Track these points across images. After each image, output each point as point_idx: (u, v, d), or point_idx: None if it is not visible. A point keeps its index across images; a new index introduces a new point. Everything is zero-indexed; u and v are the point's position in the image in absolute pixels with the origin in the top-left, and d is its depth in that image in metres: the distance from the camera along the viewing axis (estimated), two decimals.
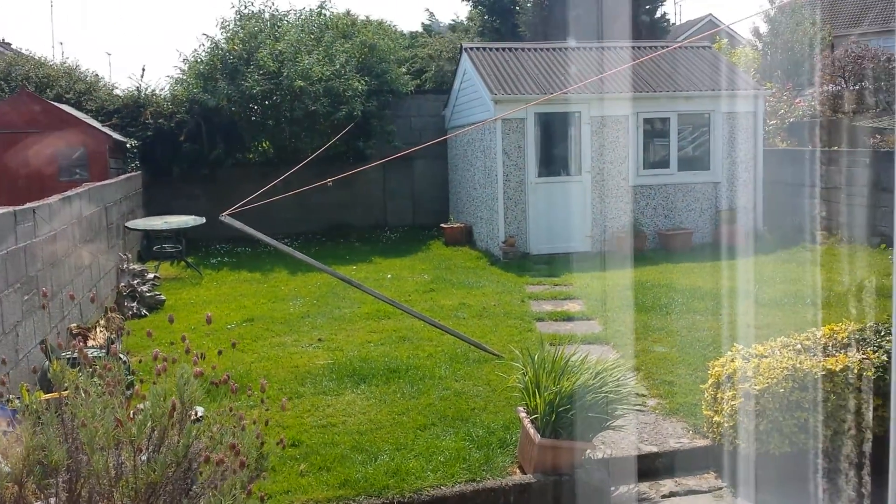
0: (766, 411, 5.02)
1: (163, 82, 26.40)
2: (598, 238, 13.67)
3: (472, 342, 7.67)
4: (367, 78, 16.25)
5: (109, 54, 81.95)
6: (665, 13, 26.15)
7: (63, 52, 52.41)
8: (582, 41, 16.71)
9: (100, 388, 3.68)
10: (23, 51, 20.77)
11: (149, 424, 3.44)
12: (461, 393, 6.53)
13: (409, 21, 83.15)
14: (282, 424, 5.83)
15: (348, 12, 18.68)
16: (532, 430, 5.11)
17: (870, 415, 4.92)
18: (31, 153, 13.83)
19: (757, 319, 8.44)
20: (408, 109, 18.03)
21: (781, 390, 5.00)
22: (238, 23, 16.92)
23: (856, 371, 5.02)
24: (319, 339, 8.39)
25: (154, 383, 3.61)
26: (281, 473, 5.11)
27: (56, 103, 15.15)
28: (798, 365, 5.09)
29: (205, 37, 17.58)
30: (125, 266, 11.24)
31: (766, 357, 5.33)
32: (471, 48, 15.31)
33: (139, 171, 15.69)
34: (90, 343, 7.37)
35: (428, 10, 35.35)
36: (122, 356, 5.45)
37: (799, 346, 5.44)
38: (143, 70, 29.27)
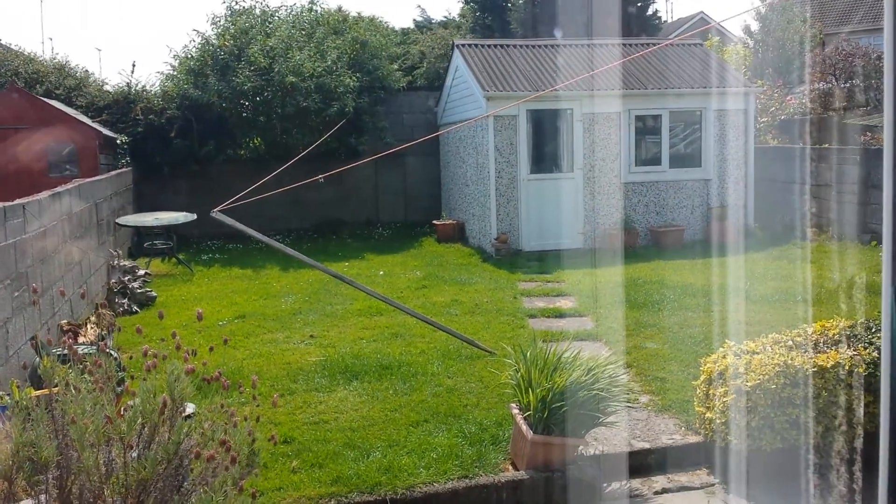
0: (758, 408, 5.03)
1: (153, 78, 26.32)
2: (590, 235, 13.68)
3: (464, 339, 7.66)
4: (358, 74, 16.21)
5: (100, 50, 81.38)
6: (657, 10, 26.29)
7: (53, 48, 52.20)
8: (574, 38, 16.72)
9: (90, 384, 3.66)
10: (12, 46, 20.59)
11: (139, 421, 3.42)
12: (453, 389, 6.52)
13: (400, 17, 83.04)
14: (274, 421, 5.81)
15: (340, 8, 18.65)
16: (524, 427, 5.10)
17: (861, 411, 4.94)
18: (20, 149, 13.75)
19: (748, 316, 8.47)
20: (399, 106, 18.00)
21: (773, 387, 5.02)
22: (229, 18, 16.86)
23: (847, 368, 5.04)
24: (311, 336, 8.37)
25: (144, 380, 3.59)
26: (273, 470, 5.10)
27: (46, 99, 15.06)
28: (789, 361, 5.10)
29: (195, 32, 17.57)
30: (116, 262, 11.19)
31: (757, 353, 5.34)
32: (463, 45, 15.29)
33: (129, 168, 15.61)
34: (81, 339, 7.32)
35: (420, 6, 35.24)
36: (112, 352, 5.42)
37: (790, 343, 5.46)
38: (134, 66, 29.19)
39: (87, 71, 18.72)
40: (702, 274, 11.01)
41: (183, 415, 3.59)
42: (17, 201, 7.08)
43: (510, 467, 5.19)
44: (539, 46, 15.42)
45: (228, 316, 9.41)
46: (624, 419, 5.68)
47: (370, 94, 16.73)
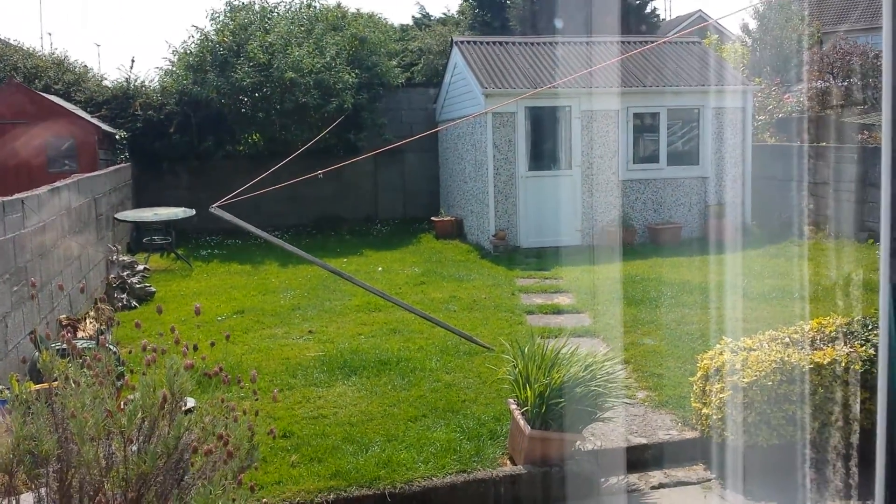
0: (754, 404, 5.06)
1: (152, 74, 26.33)
2: (587, 232, 13.71)
3: (462, 335, 7.69)
4: (357, 70, 16.22)
5: (98, 45, 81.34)
6: (655, 8, 26.29)
7: (52, 43, 52.09)
8: (572, 36, 16.73)
9: (90, 378, 3.67)
10: (10, 41, 20.56)
11: (139, 415, 3.43)
12: (452, 385, 6.54)
13: (399, 14, 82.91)
14: (273, 416, 5.83)
15: (339, 4, 18.64)
16: (522, 422, 5.13)
17: (857, 407, 4.97)
18: (19, 144, 13.74)
19: (745, 313, 8.50)
20: (398, 103, 18.01)
21: (769, 383, 5.05)
22: (228, 14, 16.86)
23: (843, 364, 5.07)
24: (310, 332, 8.38)
25: (144, 374, 3.60)
26: (272, 464, 5.12)
27: (45, 94, 15.05)
28: (786, 358, 5.13)
29: (194, 28, 17.62)
30: (115, 257, 11.20)
31: (754, 350, 5.37)
32: (462, 42, 15.30)
33: (129, 163, 15.62)
34: (80, 334, 7.34)
35: (419, 3, 35.29)
36: (112, 347, 5.44)
37: (787, 340, 5.49)
38: (133, 61, 29.15)
39: (86, 66, 18.72)
40: (699, 271, 11.04)
41: (183, 409, 3.60)
42: (16, 196, 7.08)
43: (508, 462, 5.22)
44: (538, 44, 15.43)
45: (227, 311, 9.42)
46: (621, 415, 5.71)
47: (369, 91, 16.73)
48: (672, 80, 14.03)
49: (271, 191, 8.41)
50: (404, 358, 7.25)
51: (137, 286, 10.31)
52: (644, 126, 14.10)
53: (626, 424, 5.76)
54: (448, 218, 15.71)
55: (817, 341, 5.44)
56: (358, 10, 19.29)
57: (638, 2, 24.53)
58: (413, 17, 29.47)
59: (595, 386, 5.11)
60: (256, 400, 4.63)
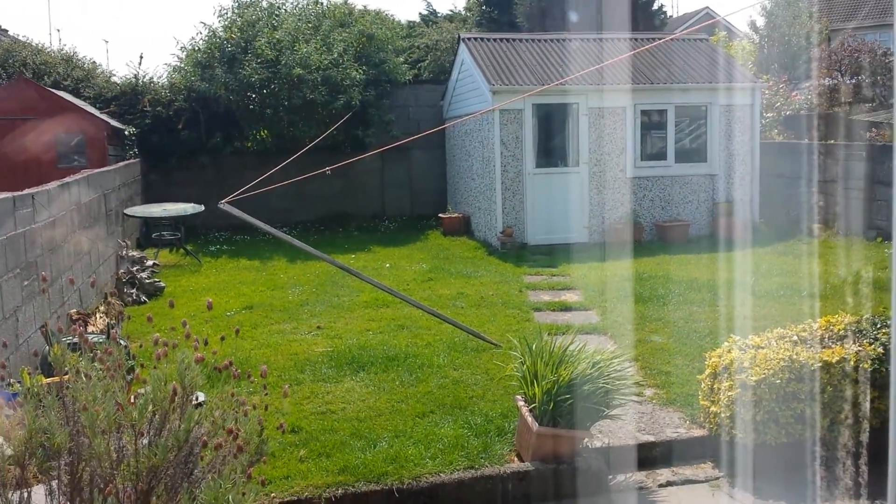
0: (763, 402, 5.06)
1: (161, 70, 26.28)
2: (595, 229, 13.70)
3: (470, 331, 7.70)
4: (364, 67, 16.23)
5: (107, 42, 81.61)
6: (662, 5, 26.13)
7: (60, 39, 52.26)
8: (580, 32, 16.70)
9: (101, 372, 3.70)
10: (20, 37, 20.66)
11: (150, 409, 3.45)
12: (459, 381, 6.55)
13: (406, 11, 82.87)
14: (281, 411, 5.84)
15: (346, 1, 18.64)
16: (530, 419, 5.13)
17: (867, 406, 4.96)
18: (29, 139, 13.81)
19: (753, 311, 8.48)
20: (405, 99, 18.00)
21: (778, 381, 5.04)
22: (236, 11, 16.88)
23: (852, 363, 5.06)
24: (318, 327, 8.41)
25: (155, 368, 3.62)
26: (281, 459, 5.14)
27: (54, 90, 15.11)
28: (794, 356, 5.12)
29: (202, 25, 17.62)
30: (124, 253, 11.24)
31: (762, 348, 5.36)
32: (469, 38, 15.29)
33: (137, 159, 15.67)
34: (90, 329, 7.38)
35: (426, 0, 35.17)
36: (122, 341, 5.46)
37: (795, 338, 5.48)
38: (141, 58, 29.09)
39: (94, 62, 18.75)
40: (707, 269, 11.02)
41: (193, 403, 3.62)
42: (27, 191, 7.12)
43: (515, 459, 5.23)
44: (545, 40, 15.40)
45: (236, 307, 9.46)
46: (629, 412, 5.71)
47: (376, 88, 16.74)
48: (680, 77, 14.00)
49: (279, 187, 8.44)
50: (412, 354, 7.27)
51: (147, 281, 10.35)
52: (652, 123, 14.08)
53: (634, 422, 5.77)
54: (455, 215, 15.72)
55: (826, 339, 5.43)
56: (365, 6, 19.26)
57: None
58: (420, 13, 29.48)
59: (603, 383, 5.11)
60: (266, 395, 4.65)
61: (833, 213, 13.57)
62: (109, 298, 8.92)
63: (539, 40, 15.40)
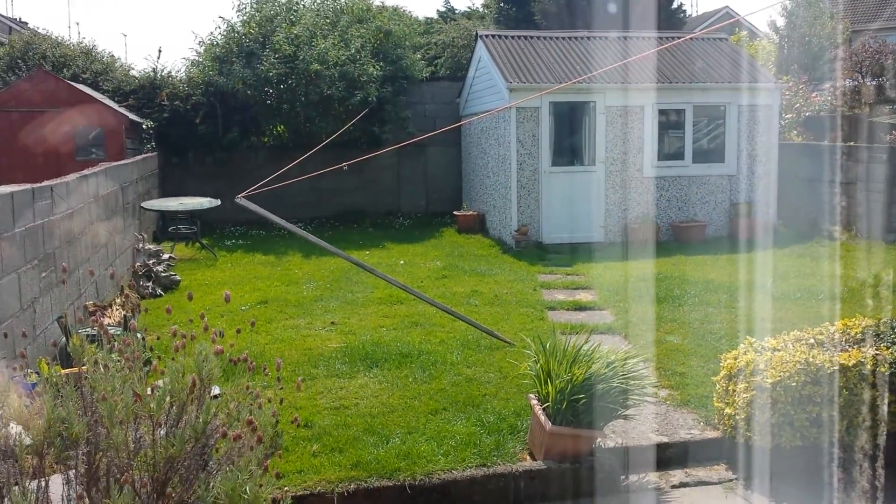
0: (778, 405, 5.03)
1: (179, 64, 26.47)
2: (611, 229, 13.65)
3: (483, 329, 7.70)
4: (382, 63, 16.24)
5: (125, 35, 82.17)
6: (681, 4, 25.99)
7: (79, 33, 52.67)
8: (598, 30, 16.64)
9: (119, 363, 3.73)
10: (40, 30, 20.82)
11: (167, 400, 3.48)
12: (472, 379, 6.56)
13: (424, 7, 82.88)
14: (295, 406, 5.88)
15: None
16: (543, 418, 5.13)
17: (884, 409, 4.92)
18: (48, 131, 13.92)
19: (770, 313, 8.43)
20: (422, 96, 18.01)
21: (794, 384, 5.01)
22: (254, 6, 16.95)
23: (869, 366, 5.02)
24: (332, 323, 8.43)
25: (173, 359, 3.65)
26: (294, 453, 5.16)
27: (73, 83, 15.22)
28: (811, 359, 5.09)
29: (221, 19, 17.72)
30: (141, 246, 11.32)
31: (778, 350, 5.33)
32: (486, 35, 15.27)
33: (155, 153, 15.77)
34: (106, 321, 7.44)
35: None
36: (139, 333, 5.50)
37: (812, 341, 5.44)
38: (160, 51, 29.30)
39: (113, 56, 18.89)
40: (723, 270, 10.96)
41: (210, 395, 3.65)
42: (46, 183, 7.18)
43: (528, 457, 5.22)
44: (562, 38, 15.36)
45: (251, 301, 9.50)
46: (643, 413, 5.69)
47: (393, 84, 16.75)
48: (698, 77, 13.92)
49: (294, 182, 8.46)
50: (425, 351, 7.28)
51: (163, 275, 10.41)
52: (669, 123, 14.01)
53: (647, 422, 5.75)
54: (470, 212, 15.71)
55: (843, 343, 5.40)
56: (383, 2, 19.27)
57: None
58: (437, 10, 29.47)
59: (617, 383, 5.10)
60: (280, 389, 4.67)
61: (852, 216, 13.45)
62: (126, 290, 8.98)
63: (557, 38, 15.35)
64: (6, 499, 3.24)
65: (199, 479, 3.41)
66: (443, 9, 29.47)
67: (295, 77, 15.45)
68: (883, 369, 5.00)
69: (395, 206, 17.84)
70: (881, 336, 5.38)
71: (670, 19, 24.27)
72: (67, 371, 3.96)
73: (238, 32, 16.28)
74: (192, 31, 38.62)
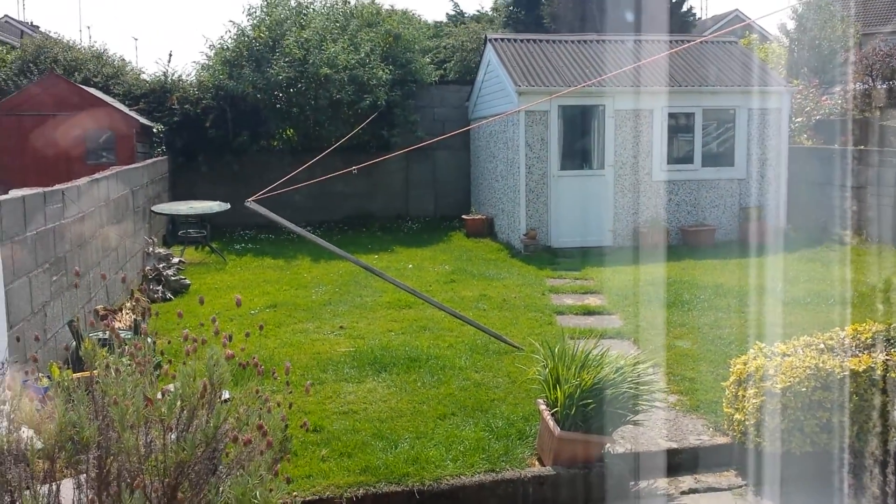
0: (788, 410, 5.01)
1: (189, 68, 26.65)
2: (620, 233, 13.63)
3: (492, 334, 7.70)
4: (391, 67, 16.28)
5: (136, 39, 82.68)
6: (691, 7, 25.94)
7: (90, 36, 52.98)
8: (607, 34, 16.63)
9: (130, 367, 3.75)
10: (51, 34, 20.95)
11: (178, 404, 3.50)
12: (481, 384, 6.56)
13: (433, 11, 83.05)
14: (304, 410, 5.89)
15: (373, 1, 18.70)
16: (552, 423, 5.13)
17: (894, 415, 4.89)
18: (59, 135, 14.00)
19: (779, 318, 8.40)
20: (431, 100, 18.03)
21: (803, 389, 4.99)
22: (264, 10, 17.01)
23: (880, 372, 4.99)
24: (341, 327, 8.45)
25: (184, 363, 3.66)
26: (303, 458, 5.18)
27: (84, 86, 15.31)
28: (821, 364, 5.07)
29: (231, 23, 17.71)
30: (151, 250, 11.37)
31: (788, 356, 5.31)
32: (495, 39, 15.28)
33: (165, 156, 15.84)
34: (116, 324, 7.47)
35: (453, 0, 35.21)
36: (149, 337, 5.53)
37: (822, 346, 5.42)
38: (170, 55, 29.52)
39: (124, 59, 19.02)
40: (733, 274, 10.93)
41: (220, 399, 3.66)
42: (57, 186, 7.23)
43: (536, 463, 5.22)
44: (572, 42, 15.35)
45: (260, 305, 9.53)
46: (652, 418, 5.68)
47: (402, 88, 16.78)
48: (708, 80, 13.89)
49: (303, 186, 8.49)
50: (434, 355, 7.28)
51: (173, 278, 10.46)
52: (678, 126, 13.98)
53: (656, 428, 5.74)
54: (479, 216, 15.71)
55: (853, 348, 5.37)
56: (392, 6, 19.36)
57: (674, 0, 24.28)
58: (447, 13, 29.55)
59: (626, 388, 5.09)
60: (290, 393, 4.69)
61: (862, 220, 13.39)
62: (136, 294, 9.02)
63: (566, 41, 15.35)
64: (17, 503, 3.26)
65: (210, 484, 3.43)
66: (452, 12, 29.46)
67: (305, 81, 15.50)
68: (893, 374, 4.98)
69: (404, 210, 17.86)
70: (891, 341, 5.36)
71: (680, 22, 24.22)
72: (79, 375, 3.98)
73: (248, 36, 16.35)
74: (203, 34, 38.86)
